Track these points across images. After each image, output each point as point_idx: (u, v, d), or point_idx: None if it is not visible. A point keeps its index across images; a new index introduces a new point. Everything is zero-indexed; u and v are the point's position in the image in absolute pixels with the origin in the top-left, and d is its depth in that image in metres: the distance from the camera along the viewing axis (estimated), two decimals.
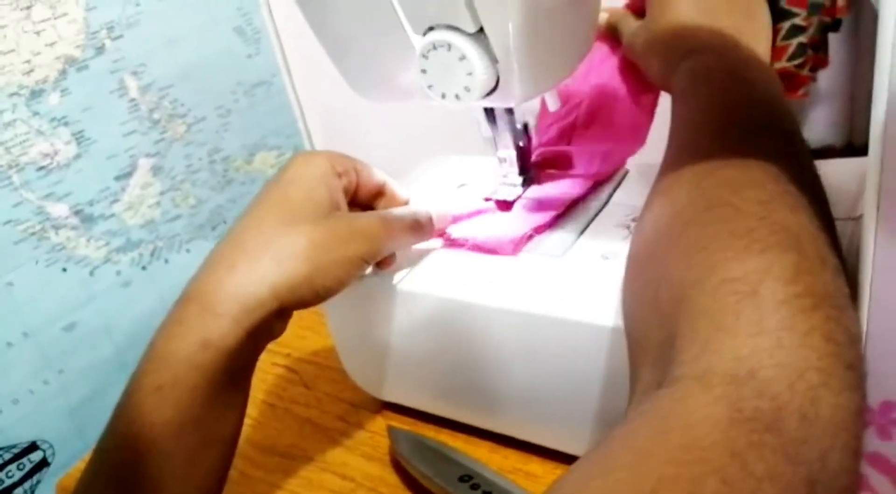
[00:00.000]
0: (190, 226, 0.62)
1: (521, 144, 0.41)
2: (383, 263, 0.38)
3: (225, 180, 0.65)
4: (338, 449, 0.41)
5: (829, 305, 0.21)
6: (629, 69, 0.45)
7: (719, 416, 0.17)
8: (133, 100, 0.57)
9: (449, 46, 0.30)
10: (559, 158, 0.43)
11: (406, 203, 0.39)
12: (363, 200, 0.38)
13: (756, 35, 0.37)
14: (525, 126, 0.41)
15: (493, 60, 0.30)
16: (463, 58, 0.30)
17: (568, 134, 0.45)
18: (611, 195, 0.42)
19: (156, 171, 0.59)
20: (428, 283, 0.37)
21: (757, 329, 0.20)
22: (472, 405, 0.39)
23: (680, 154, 0.30)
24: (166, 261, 0.61)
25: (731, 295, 0.21)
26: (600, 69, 0.46)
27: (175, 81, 0.60)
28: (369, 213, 0.36)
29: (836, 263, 0.23)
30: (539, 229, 0.39)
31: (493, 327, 0.35)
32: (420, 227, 0.37)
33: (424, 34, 0.31)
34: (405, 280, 0.38)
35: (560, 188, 0.41)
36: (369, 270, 0.37)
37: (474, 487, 0.33)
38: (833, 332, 0.20)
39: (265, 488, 0.39)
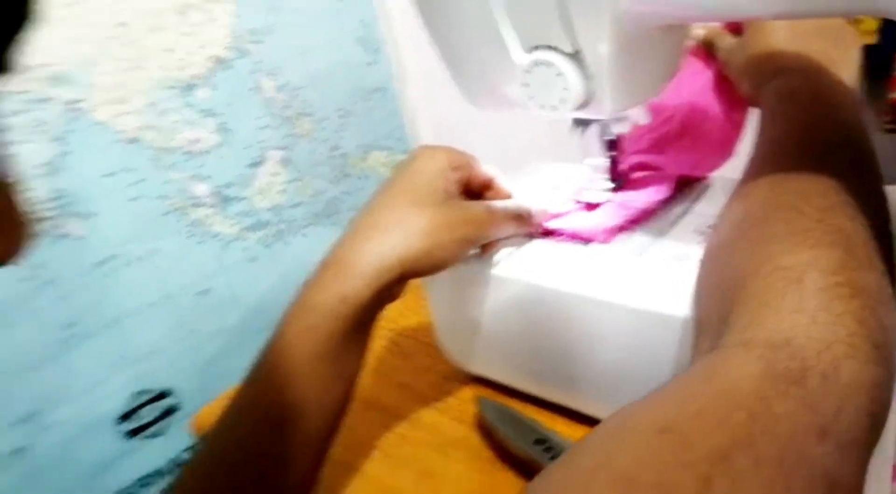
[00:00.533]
0: (308, 213, 0.69)
1: (611, 153, 0.45)
2: (486, 248, 0.43)
3: (342, 174, 0.71)
4: (430, 412, 0.47)
5: (866, 297, 0.24)
6: (722, 85, 0.48)
7: (755, 371, 0.21)
8: (268, 98, 0.65)
9: (549, 64, 0.35)
10: (647, 166, 0.47)
11: (510, 198, 0.44)
12: (474, 190, 0.43)
13: (843, 61, 0.40)
14: (617, 137, 0.45)
15: (587, 78, 0.35)
16: (560, 74, 0.35)
17: (659, 145, 0.48)
18: (692, 205, 0.46)
19: (284, 162, 0.67)
20: (521, 270, 0.42)
21: (797, 309, 0.23)
22: (552, 382, 0.43)
23: (761, 164, 0.34)
24: (286, 243, 0.68)
25: (780, 281, 0.25)
26: (693, 83, 0.50)
27: (304, 84, 0.67)
28: (479, 202, 0.42)
29: (884, 268, 0.27)
30: (628, 224, 0.43)
31: (576, 313, 0.39)
32: (521, 218, 0.43)
33: (529, 52, 0.36)
34: (501, 266, 0.42)
35: (645, 194, 0.45)
36: (474, 252, 0.43)
37: (547, 449, 0.38)
38: (866, 318, 0.23)
39: (366, 438, 0.45)
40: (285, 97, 0.66)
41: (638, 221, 0.44)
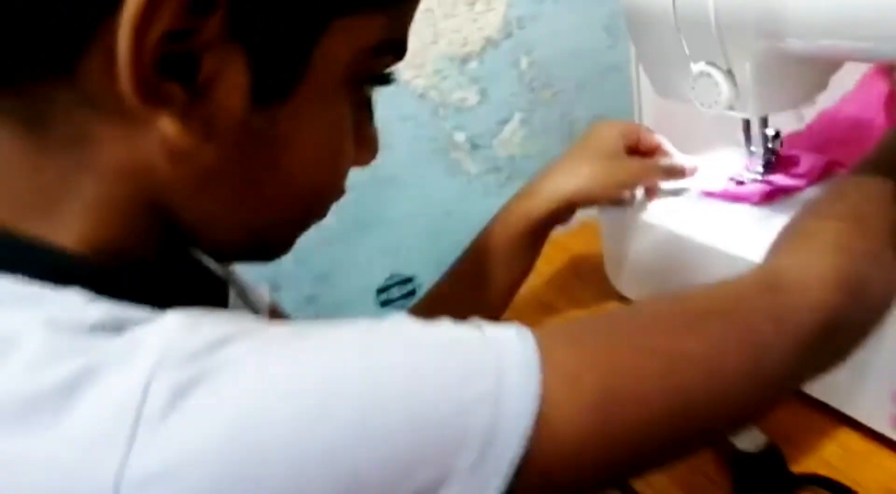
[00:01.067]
0: (536, 165, 0.87)
1: (769, 145, 0.57)
2: (649, 195, 0.59)
3: (569, 139, 0.88)
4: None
5: (861, 260, 0.36)
6: (893, 102, 0.57)
7: (749, 281, 0.35)
8: (521, 71, 0.83)
9: (709, 76, 0.48)
10: (793, 161, 0.57)
11: (672, 158, 0.59)
12: (645, 153, 0.59)
13: None
14: (777, 133, 0.56)
15: (735, 88, 0.48)
16: (716, 84, 0.48)
17: (818, 146, 0.59)
18: None
19: (523, 122, 0.85)
20: (663, 217, 0.57)
21: (799, 255, 0.37)
22: None
23: (864, 164, 0.44)
24: (514, 187, 0.86)
25: (801, 237, 0.38)
26: (867, 96, 0.59)
27: (552, 61, 0.84)
28: (637, 158, 0.58)
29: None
30: (773, 194, 0.55)
31: (702, 260, 0.53)
32: (672, 171, 0.58)
33: (697, 64, 0.50)
34: (651, 213, 0.58)
35: (786, 180, 0.56)
36: (640, 195, 0.58)
37: None
38: (848, 274, 0.36)
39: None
40: (535, 71, 0.84)
41: (777, 195, 0.55)
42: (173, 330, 0.24)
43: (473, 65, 0.80)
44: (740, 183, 0.57)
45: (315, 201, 0.35)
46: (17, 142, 0.27)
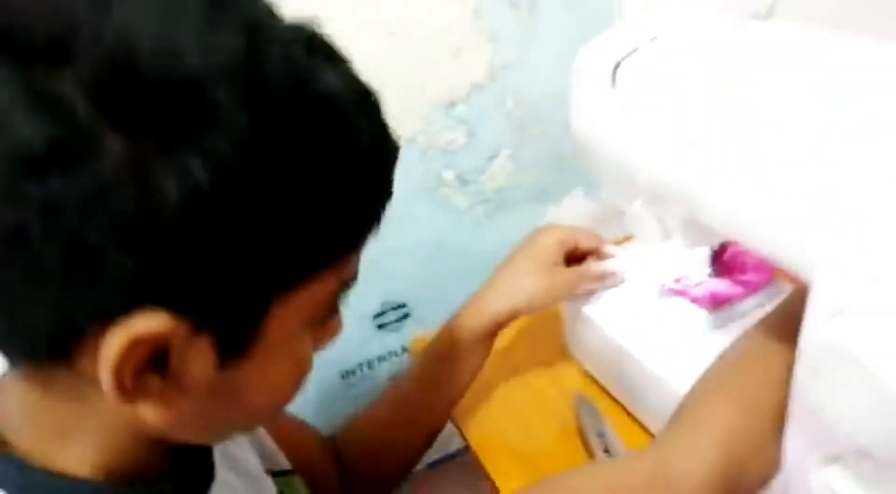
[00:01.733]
0: (522, 196, 0.91)
1: (715, 248, 0.61)
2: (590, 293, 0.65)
3: (554, 170, 0.91)
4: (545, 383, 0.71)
5: (745, 458, 0.42)
6: None
7: (643, 473, 0.42)
8: (508, 111, 0.86)
9: (641, 217, 0.52)
10: (738, 263, 0.61)
11: (610, 259, 0.63)
12: (581, 257, 0.63)
13: None
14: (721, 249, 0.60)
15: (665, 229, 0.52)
16: (647, 223, 0.52)
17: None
18: (768, 300, 0.60)
19: (510, 157, 0.88)
20: (605, 316, 0.62)
21: (688, 449, 0.42)
22: (621, 394, 0.64)
23: (770, 326, 0.48)
24: (503, 216, 0.91)
25: (693, 426, 0.44)
26: None
27: (539, 99, 0.86)
28: (573, 269, 0.63)
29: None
30: (724, 300, 0.60)
31: (630, 369, 0.59)
32: (604, 277, 0.63)
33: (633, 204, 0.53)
34: (593, 306, 0.63)
35: (733, 287, 0.61)
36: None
37: (601, 441, 0.60)
38: (729, 476, 0.41)
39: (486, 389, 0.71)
40: (521, 110, 0.86)
41: (724, 302, 0.60)
42: None
43: (460, 108, 0.83)
44: (680, 291, 0.62)
45: (278, 409, 0.40)
46: (31, 394, 0.34)
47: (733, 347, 0.48)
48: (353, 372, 0.94)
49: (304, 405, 0.75)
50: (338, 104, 0.31)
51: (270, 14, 0.31)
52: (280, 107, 0.29)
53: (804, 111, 0.39)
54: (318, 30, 0.33)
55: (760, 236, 0.42)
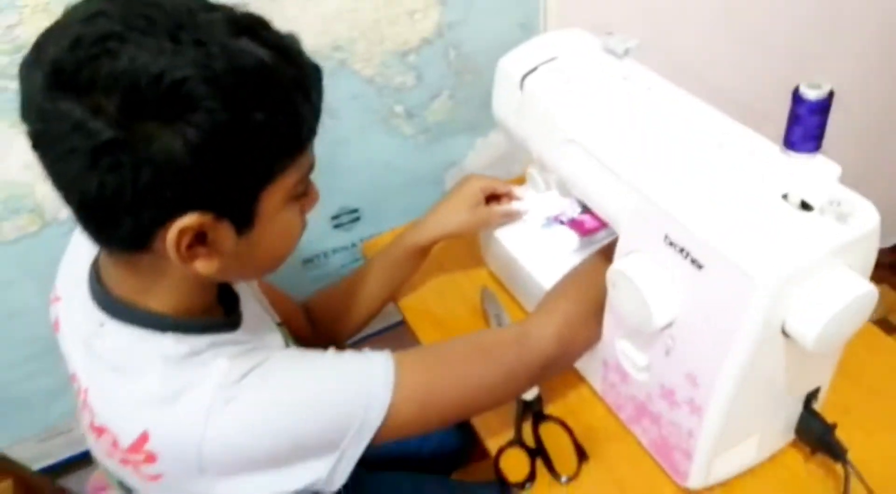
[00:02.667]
0: (456, 129, 1.14)
1: None
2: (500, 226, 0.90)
3: (483, 109, 1.13)
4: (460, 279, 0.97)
5: (574, 330, 0.70)
6: None
7: (511, 335, 0.69)
8: (450, 61, 1.06)
9: (534, 177, 0.77)
10: None
11: (517, 202, 0.88)
12: (497, 197, 0.88)
13: None
14: None
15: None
16: (539, 183, 0.77)
17: None
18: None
19: (450, 97, 1.10)
20: (505, 236, 0.88)
21: (541, 322, 0.69)
22: (520, 294, 0.91)
23: (595, 258, 0.75)
24: (440, 144, 1.14)
25: (546, 311, 0.70)
26: None
27: (474, 53, 1.07)
28: (489, 207, 0.88)
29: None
30: (588, 229, 0.86)
31: (517, 272, 0.85)
32: (510, 216, 0.88)
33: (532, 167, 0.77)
34: (500, 230, 0.89)
35: (594, 221, 0.87)
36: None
37: (497, 324, 0.86)
38: (563, 338, 0.68)
39: (420, 282, 0.96)
40: (460, 61, 1.07)
41: (590, 232, 0.86)
42: (222, 369, 0.55)
43: (412, 57, 1.04)
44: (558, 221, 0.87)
45: (282, 259, 0.62)
46: (124, 269, 0.57)
47: (579, 264, 0.75)
48: (312, 260, 1.18)
49: (275, 282, 0.98)
50: (265, 67, 0.49)
51: (208, 15, 0.49)
52: (230, 82, 0.47)
53: (629, 117, 0.64)
54: (250, 14, 0.51)
55: (596, 200, 0.68)
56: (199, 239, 0.52)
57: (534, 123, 0.70)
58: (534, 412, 0.80)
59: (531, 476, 0.75)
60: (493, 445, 0.79)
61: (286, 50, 0.52)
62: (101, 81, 0.45)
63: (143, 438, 0.54)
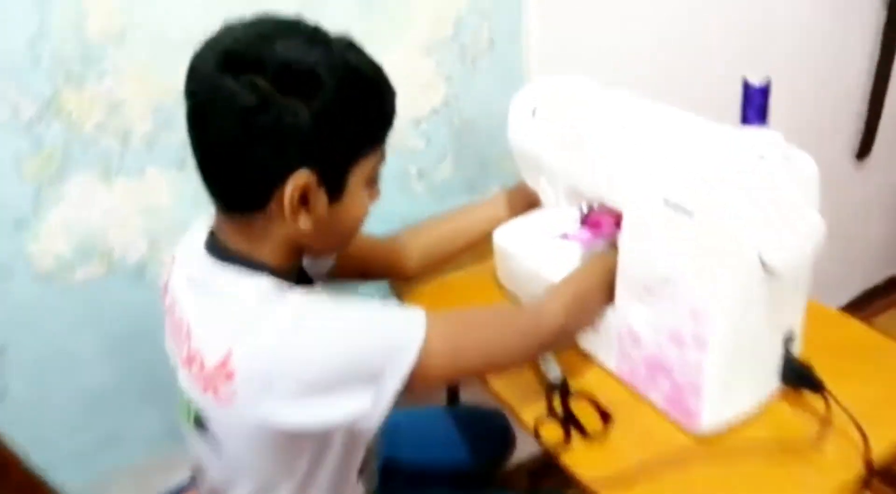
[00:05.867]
0: (458, 187, 1.32)
1: (584, 212, 1.04)
2: None
3: (481, 169, 1.33)
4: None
5: (577, 308, 0.86)
6: None
7: (530, 310, 0.84)
8: (455, 128, 1.27)
9: (544, 190, 0.95)
10: (596, 222, 1.05)
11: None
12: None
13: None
14: (591, 207, 1.04)
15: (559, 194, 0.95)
16: (547, 193, 0.95)
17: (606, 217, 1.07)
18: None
19: (453, 160, 1.29)
20: (517, 246, 1.04)
21: (552, 302, 0.85)
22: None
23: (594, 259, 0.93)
24: (445, 200, 1.32)
25: (555, 294, 0.87)
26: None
27: (473, 120, 1.28)
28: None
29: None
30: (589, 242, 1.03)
31: (525, 273, 1.01)
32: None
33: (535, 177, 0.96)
34: (519, 249, 1.05)
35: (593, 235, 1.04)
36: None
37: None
38: (570, 312, 0.84)
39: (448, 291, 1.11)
40: (463, 127, 1.28)
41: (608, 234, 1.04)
42: (298, 300, 0.69)
43: (423, 125, 1.24)
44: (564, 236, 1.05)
45: (355, 233, 0.79)
46: (236, 226, 0.73)
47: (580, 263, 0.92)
48: None
49: None
50: (369, 74, 0.70)
51: (328, 36, 0.68)
52: (345, 73, 0.66)
53: (629, 123, 0.83)
54: (348, 37, 0.70)
55: (605, 190, 0.86)
56: (303, 201, 0.69)
57: (546, 140, 0.90)
58: (560, 391, 0.93)
59: (566, 440, 0.87)
60: (528, 417, 0.91)
61: (379, 68, 0.73)
62: (261, 62, 0.63)
63: (228, 355, 0.66)
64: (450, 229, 1.13)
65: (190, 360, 0.72)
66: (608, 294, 0.89)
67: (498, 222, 1.10)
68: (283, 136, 0.65)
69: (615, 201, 0.85)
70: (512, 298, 1.11)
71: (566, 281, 0.89)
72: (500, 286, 1.13)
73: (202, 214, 0.78)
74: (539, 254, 1.02)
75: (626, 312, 0.86)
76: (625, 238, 0.79)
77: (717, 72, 1.53)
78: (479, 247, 1.14)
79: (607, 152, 0.82)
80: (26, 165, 0.94)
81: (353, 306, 0.71)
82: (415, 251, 1.10)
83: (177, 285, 0.78)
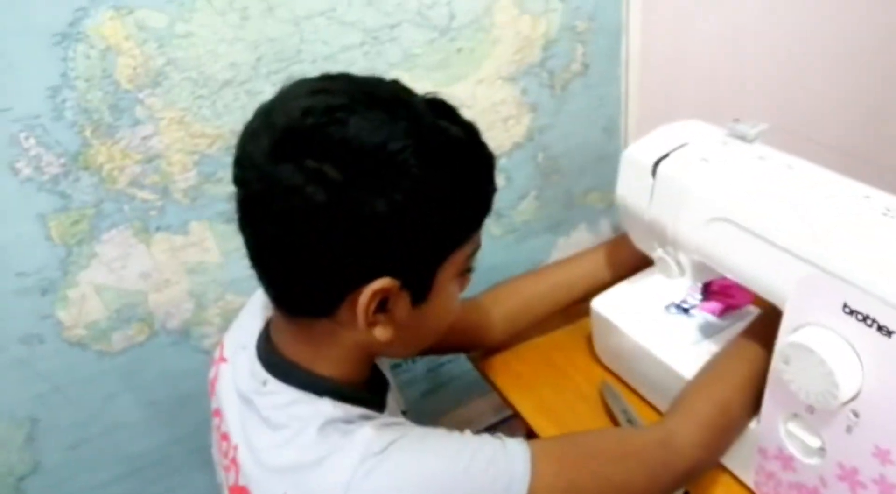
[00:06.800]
0: (541, 228, 1.16)
1: (706, 282, 0.86)
2: None
3: (566, 209, 1.16)
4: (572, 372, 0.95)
5: (718, 434, 0.68)
6: None
7: (655, 436, 0.67)
8: (538, 164, 1.10)
9: (664, 259, 0.77)
10: (721, 294, 0.87)
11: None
12: None
13: None
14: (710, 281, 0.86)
15: (679, 266, 0.77)
16: (669, 265, 0.77)
17: (731, 288, 0.88)
18: (735, 323, 0.86)
19: (536, 198, 1.13)
20: (627, 321, 0.87)
21: (685, 425, 0.67)
22: (643, 388, 0.89)
23: (737, 347, 0.74)
24: (525, 242, 1.15)
25: (688, 411, 0.69)
26: None
27: (560, 155, 1.11)
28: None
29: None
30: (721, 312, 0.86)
31: (643, 361, 0.84)
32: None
33: (656, 250, 0.78)
34: (623, 320, 0.88)
35: (716, 308, 0.87)
36: None
37: (629, 422, 0.83)
38: (709, 444, 0.67)
39: (536, 378, 0.94)
40: (547, 163, 1.11)
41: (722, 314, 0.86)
42: (368, 438, 0.53)
43: (503, 160, 1.07)
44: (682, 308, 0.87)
45: (442, 332, 0.63)
46: (297, 329, 0.58)
47: (718, 353, 0.74)
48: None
49: None
50: (462, 146, 0.54)
51: (412, 97, 0.54)
52: (436, 153, 0.51)
53: (777, 192, 0.65)
54: (443, 99, 0.56)
55: (751, 275, 0.68)
56: (381, 306, 0.54)
57: (669, 205, 0.72)
58: None
59: None
60: None
61: (475, 133, 0.57)
62: (331, 147, 0.48)
63: None
64: (538, 292, 0.94)
65: (238, 491, 0.60)
66: (758, 396, 0.70)
67: (598, 285, 0.92)
68: (358, 237, 0.50)
69: (769, 290, 0.67)
70: (611, 375, 0.94)
71: (703, 387, 0.72)
72: (596, 359, 0.96)
73: (253, 273, 0.63)
74: (652, 329, 0.85)
75: (775, 429, 0.68)
76: (793, 339, 0.61)
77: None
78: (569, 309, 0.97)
79: (762, 229, 0.64)
80: (53, 224, 0.81)
81: (437, 441, 0.56)
82: (498, 319, 0.93)
83: (225, 396, 0.65)
